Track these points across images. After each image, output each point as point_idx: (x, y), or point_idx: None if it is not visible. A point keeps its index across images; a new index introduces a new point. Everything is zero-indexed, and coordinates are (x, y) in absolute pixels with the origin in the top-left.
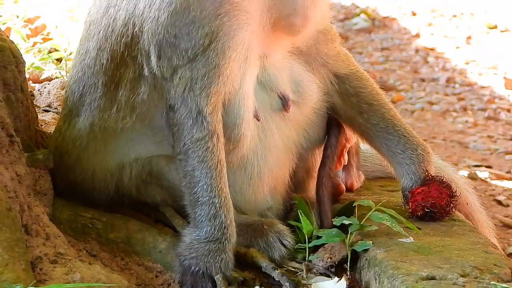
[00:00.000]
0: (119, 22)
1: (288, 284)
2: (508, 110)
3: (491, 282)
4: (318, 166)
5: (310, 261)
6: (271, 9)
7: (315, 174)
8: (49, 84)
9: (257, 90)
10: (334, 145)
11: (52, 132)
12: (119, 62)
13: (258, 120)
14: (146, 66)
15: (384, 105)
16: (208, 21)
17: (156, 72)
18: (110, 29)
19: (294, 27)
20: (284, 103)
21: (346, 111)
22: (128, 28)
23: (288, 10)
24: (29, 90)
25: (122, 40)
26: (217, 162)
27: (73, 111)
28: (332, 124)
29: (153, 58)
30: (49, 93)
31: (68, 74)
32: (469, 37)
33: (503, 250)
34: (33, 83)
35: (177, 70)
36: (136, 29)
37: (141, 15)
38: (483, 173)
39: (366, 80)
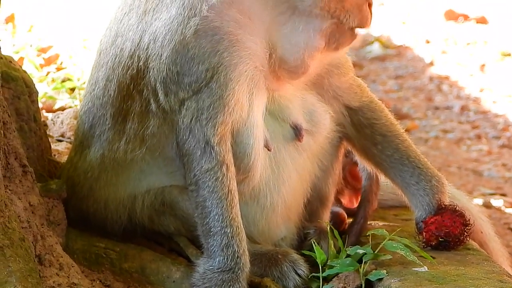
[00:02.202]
0: (125, 53)
1: None
2: None
3: None
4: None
5: None
6: (271, 49)
7: (329, 203)
8: (62, 113)
9: (268, 120)
10: (371, 192)
11: (65, 162)
12: (126, 95)
13: (269, 150)
14: (154, 102)
15: (398, 136)
16: (207, 57)
17: (165, 107)
18: (117, 59)
19: (293, 74)
20: (297, 132)
21: (360, 142)
22: (133, 61)
23: (285, 58)
24: (42, 120)
25: (128, 72)
26: (228, 192)
27: (84, 142)
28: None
29: (161, 95)
30: (62, 123)
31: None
32: (483, 65)
33: None
34: (46, 112)
35: (184, 102)
36: (141, 63)
37: (146, 49)
38: (497, 201)
39: (380, 111)
